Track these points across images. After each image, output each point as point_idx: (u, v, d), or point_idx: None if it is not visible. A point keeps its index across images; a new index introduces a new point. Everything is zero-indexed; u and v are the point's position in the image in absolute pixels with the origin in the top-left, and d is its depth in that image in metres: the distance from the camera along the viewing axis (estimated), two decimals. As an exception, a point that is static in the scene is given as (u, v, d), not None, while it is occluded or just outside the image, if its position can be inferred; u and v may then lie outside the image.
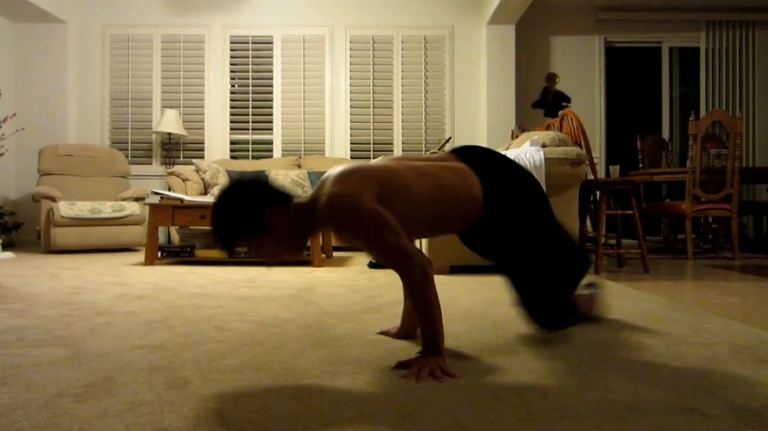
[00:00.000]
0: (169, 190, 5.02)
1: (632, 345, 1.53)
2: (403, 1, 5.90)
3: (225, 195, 1.32)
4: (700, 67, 6.13)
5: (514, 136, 5.22)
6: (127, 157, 5.72)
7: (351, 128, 5.90)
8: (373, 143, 5.90)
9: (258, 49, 5.90)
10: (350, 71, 5.89)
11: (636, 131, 5.61)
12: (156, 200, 5.34)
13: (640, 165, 5.32)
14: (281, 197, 1.35)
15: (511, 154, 3.10)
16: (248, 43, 5.89)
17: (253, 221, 1.30)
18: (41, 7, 5.19)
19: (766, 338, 1.61)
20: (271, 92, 5.89)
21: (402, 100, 5.88)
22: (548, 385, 1.18)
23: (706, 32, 6.09)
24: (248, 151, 5.90)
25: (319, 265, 3.60)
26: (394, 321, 1.84)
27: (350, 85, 5.88)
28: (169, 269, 3.35)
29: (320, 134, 5.91)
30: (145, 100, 5.83)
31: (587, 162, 3.17)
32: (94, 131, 5.80)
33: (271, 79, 5.88)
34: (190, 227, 3.92)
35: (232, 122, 5.90)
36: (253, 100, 5.91)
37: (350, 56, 5.88)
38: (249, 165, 5.53)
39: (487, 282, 2.77)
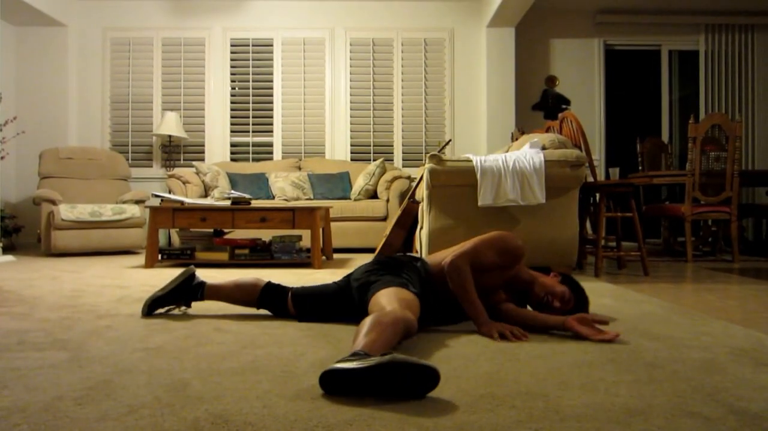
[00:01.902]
0: (170, 192, 5.02)
1: (632, 347, 1.53)
2: (403, 4, 5.91)
3: None
4: (699, 70, 6.14)
5: (514, 138, 5.22)
6: (127, 159, 5.72)
7: (351, 131, 5.91)
8: (374, 145, 5.91)
9: (258, 52, 5.92)
10: (350, 74, 5.90)
11: (635, 133, 5.61)
12: (156, 202, 5.35)
13: (640, 168, 5.32)
14: None
15: (511, 156, 3.11)
16: (248, 45, 5.90)
17: None
18: (42, 11, 5.20)
19: (766, 341, 1.61)
20: (272, 95, 5.90)
21: (402, 102, 5.89)
22: (549, 387, 1.18)
23: (705, 35, 6.10)
24: (248, 153, 5.91)
25: (320, 267, 3.60)
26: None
27: (350, 88, 5.89)
28: (169, 272, 3.35)
29: (320, 136, 5.91)
30: (146, 102, 5.84)
31: (587, 164, 3.18)
32: (94, 133, 5.81)
33: (272, 81, 5.90)
34: (191, 230, 3.92)
35: (232, 124, 5.91)
36: (253, 103, 5.92)
37: (350, 59, 5.89)
38: (249, 167, 5.54)
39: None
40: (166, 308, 1.98)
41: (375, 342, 1.20)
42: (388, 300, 1.49)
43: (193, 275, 1.97)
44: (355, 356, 1.12)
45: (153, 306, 1.95)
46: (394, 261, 1.79)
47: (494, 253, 1.75)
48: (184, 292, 1.94)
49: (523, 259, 1.81)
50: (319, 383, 1.12)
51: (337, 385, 1.10)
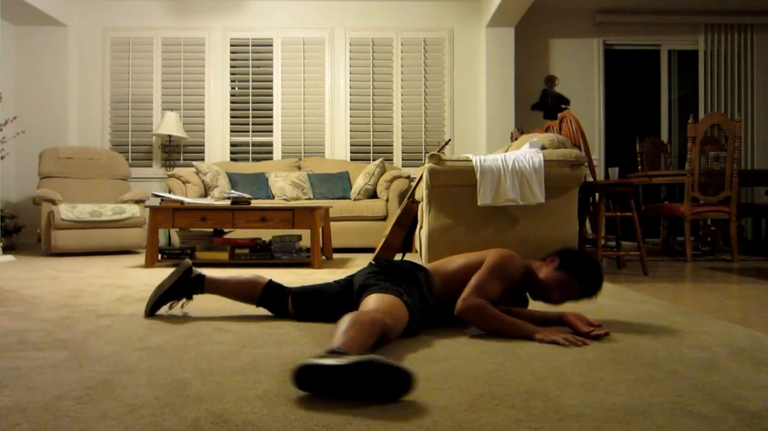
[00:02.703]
0: (170, 192, 5.02)
1: (632, 347, 1.53)
2: (403, 4, 5.91)
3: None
4: (698, 69, 6.15)
5: (513, 138, 5.23)
6: (127, 159, 5.72)
7: (351, 130, 5.91)
8: (373, 145, 5.91)
9: (258, 52, 5.92)
10: (350, 73, 5.90)
11: (635, 133, 5.62)
12: (156, 202, 5.35)
13: (639, 167, 5.33)
14: None
15: (510, 156, 3.11)
16: (248, 45, 5.90)
17: None
18: (42, 11, 5.20)
19: (765, 340, 1.62)
20: (271, 94, 5.90)
21: (402, 102, 5.90)
22: (548, 386, 1.18)
23: (704, 35, 6.10)
24: (248, 153, 5.91)
25: (319, 267, 3.60)
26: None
27: (350, 88, 5.89)
28: (169, 272, 3.35)
29: (320, 135, 5.92)
30: (146, 102, 5.84)
31: (586, 164, 3.18)
32: (94, 133, 5.81)
33: (271, 81, 5.90)
34: (191, 229, 3.92)
35: (232, 124, 5.91)
36: (253, 103, 5.92)
37: (350, 58, 5.90)
38: (249, 167, 5.54)
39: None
40: (170, 303, 1.96)
41: (354, 340, 1.20)
42: (375, 304, 1.50)
43: (190, 269, 1.95)
44: (332, 353, 1.11)
45: (155, 307, 1.95)
46: (396, 268, 1.78)
47: (499, 283, 1.68)
48: (184, 287, 1.93)
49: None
50: (294, 377, 1.09)
51: (311, 381, 1.08)
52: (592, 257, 1.71)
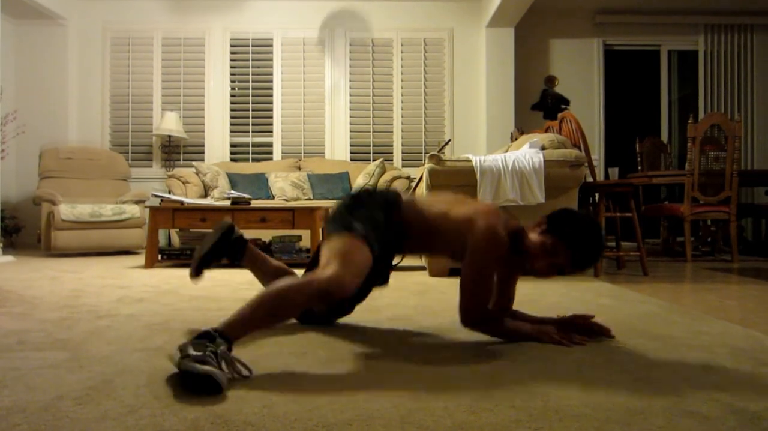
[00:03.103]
0: (170, 192, 5.02)
1: (632, 347, 1.53)
2: (403, 4, 5.91)
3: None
4: (698, 70, 6.15)
5: (513, 138, 5.23)
6: (127, 159, 5.72)
7: (351, 131, 5.91)
8: (373, 146, 5.91)
9: (258, 51, 5.92)
10: (350, 74, 5.90)
11: (635, 133, 5.62)
12: (156, 202, 5.34)
13: (639, 168, 5.33)
14: None
15: (510, 156, 3.11)
16: (248, 45, 5.90)
17: None
18: (42, 7, 5.20)
19: (765, 340, 1.62)
20: (271, 94, 5.90)
21: (402, 102, 5.90)
22: (548, 387, 1.18)
23: (704, 35, 6.10)
24: (248, 153, 5.91)
25: (319, 267, 3.60)
26: (395, 322, 1.84)
27: (350, 88, 5.89)
28: (169, 272, 3.35)
29: (320, 136, 5.92)
30: (146, 102, 5.84)
31: (586, 164, 3.18)
32: (94, 133, 5.81)
33: (271, 81, 5.90)
34: (191, 230, 3.92)
35: (232, 124, 5.91)
36: (253, 103, 5.92)
37: (350, 58, 5.90)
38: (249, 167, 5.54)
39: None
40: (212, 264, 1.84)
41: (237, 321, 1.31)
42: (328, 256, 1.42)
43: (231, 229, 1.82)
44: (198, 339, 1.22)
45: (200, 267, 1.81)
46: (363, 199, 1.61)
47: (491, 279, 1.53)
48: (224, 248, 1.82)
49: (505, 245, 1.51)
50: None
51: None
52: (592, 219, 1.46)
